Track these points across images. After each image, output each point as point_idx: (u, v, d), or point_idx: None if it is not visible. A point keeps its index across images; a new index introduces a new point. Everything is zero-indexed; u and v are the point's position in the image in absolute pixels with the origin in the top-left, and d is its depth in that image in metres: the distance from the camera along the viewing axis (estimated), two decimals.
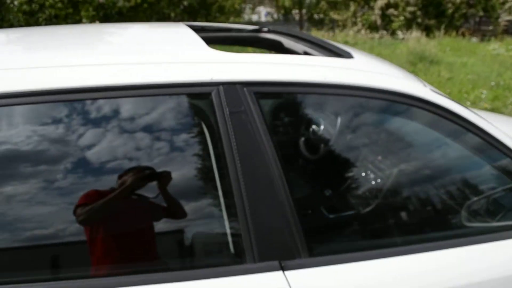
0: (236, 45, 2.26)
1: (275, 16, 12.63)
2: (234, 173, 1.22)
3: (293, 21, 12.35)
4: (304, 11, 12.07)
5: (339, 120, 1.67)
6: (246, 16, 13.16)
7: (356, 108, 1.56)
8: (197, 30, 2.13)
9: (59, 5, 9.43)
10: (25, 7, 9.25)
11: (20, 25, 9.24)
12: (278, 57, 1.52)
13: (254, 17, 13.41)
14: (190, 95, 1.33)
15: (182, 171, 1.34)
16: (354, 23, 12.27)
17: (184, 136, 1.37)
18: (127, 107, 1.27)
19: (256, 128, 1.26)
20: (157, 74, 1.28)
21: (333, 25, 12.23)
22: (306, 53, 1.75)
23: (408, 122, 1.59)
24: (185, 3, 10.31)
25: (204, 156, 1.34)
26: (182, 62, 1.36)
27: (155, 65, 1.31)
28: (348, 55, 1.56)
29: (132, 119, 1.29)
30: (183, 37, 1.71)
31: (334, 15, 12.31)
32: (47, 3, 9.37)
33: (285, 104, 1.55)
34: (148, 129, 1.30)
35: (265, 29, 2.18)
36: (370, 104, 1.49)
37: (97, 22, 9.51)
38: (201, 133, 1.35)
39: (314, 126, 1.80)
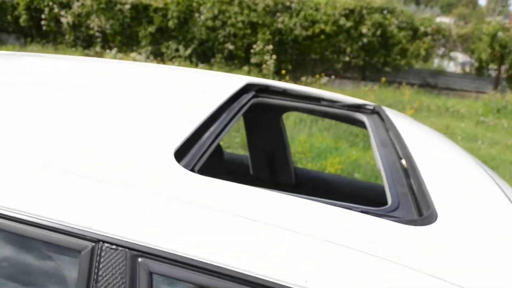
0: (323, 118, 1.93)
1: (467, 68, 10.96)
2: None
3: (487, 78, 10.59)
4: (504, 67, 10.24)
5: None
6: (436, 62, 11.79)
7: None
8: (271, 91, 1.78)
9: (240, 24, 9.56)
10: (209, 22, 9.60)
11: (201, 38, 9.63)
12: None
13: (445, 64, 11.91)
14: (52, 246, 0.83)
15: None
16: None
17: None
18: None
19: None
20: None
21: None
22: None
23: None
24: (365, 40, 9.56)
25: None
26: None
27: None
28: (430, 217, 0.84)
29: None
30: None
31: None
32: (229, 21, 9.59)
33: None
34: None
35: (370, 106, 1.70)
36: None
37: (271, 46, 9.39)
38: None
39: None
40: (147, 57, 9.78)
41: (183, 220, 0.77)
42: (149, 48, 9.96)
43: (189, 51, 9.79)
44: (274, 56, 9.43)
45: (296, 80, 9.47)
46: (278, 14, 9.67)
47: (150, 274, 0.75)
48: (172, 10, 9.70)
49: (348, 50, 9.72)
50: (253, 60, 9.60)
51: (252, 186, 0.89)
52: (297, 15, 9.65)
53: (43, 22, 10.47)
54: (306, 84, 9.26)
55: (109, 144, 0.99)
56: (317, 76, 9.67)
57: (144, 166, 0.89)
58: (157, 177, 0.86)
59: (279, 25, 9.61)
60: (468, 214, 0.96)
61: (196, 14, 9.73)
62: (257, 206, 0.83)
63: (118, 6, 9.98)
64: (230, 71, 9.44)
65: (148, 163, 0.91)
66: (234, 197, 0.85)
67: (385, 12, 9.81)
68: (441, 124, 6.80)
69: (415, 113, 7.19)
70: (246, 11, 9.62)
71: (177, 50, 9.88)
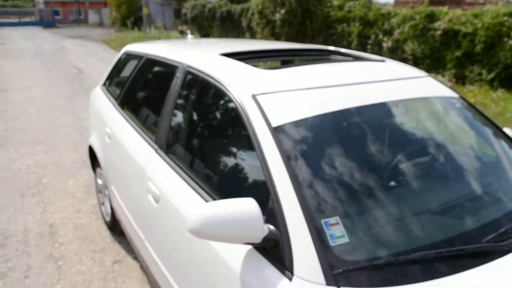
0: None
1: None
2: None
3: None
4: None
5: None
6: None
7: None
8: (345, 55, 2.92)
9: None
10: None
11: (506, 63, 9.67)
12: None
13: None
14: None
15: None
16: None
17: None
18: None
19: None
20: None
21: None
22: None
23: None
24: None
25: None
26: None
27: None
28: None
29: None
30: None
31: None
32: None
33: None
34: None
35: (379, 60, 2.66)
36: None
37: None
38: None
39: None
40: (449, 80, 10.54)
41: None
42: (453, 71, 10.67)
43: (492, 75, 9.98)
44: None
45: None
46: None
47: None
48: (481, 35, 10.09)
49: None
50: None
51: None
52: None
53: (368, 46, 12.63)
54: None
55: None
56: None
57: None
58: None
59: None
60: None
61: (505, 39, 9.79)
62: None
63: (431, 32, 11.06)
64: None
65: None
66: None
67: None
68: None
69: None
70: None
71: (479, 74, 10.23)
